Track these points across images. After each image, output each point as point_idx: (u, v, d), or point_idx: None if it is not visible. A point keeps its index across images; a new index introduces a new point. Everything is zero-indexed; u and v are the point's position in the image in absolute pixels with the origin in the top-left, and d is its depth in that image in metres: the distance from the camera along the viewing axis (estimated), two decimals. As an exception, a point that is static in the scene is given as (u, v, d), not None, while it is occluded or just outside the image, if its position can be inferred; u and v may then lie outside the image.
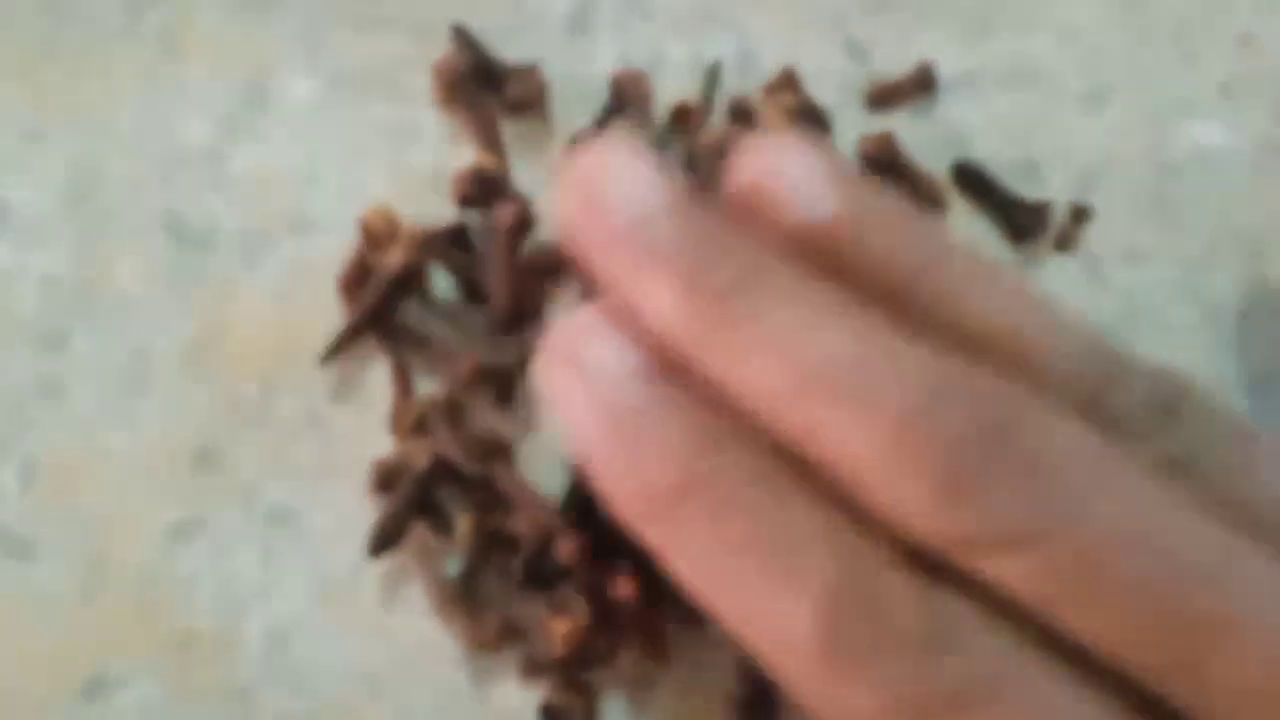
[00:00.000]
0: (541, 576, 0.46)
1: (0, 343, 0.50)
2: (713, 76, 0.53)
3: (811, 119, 0.53)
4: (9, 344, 0.50)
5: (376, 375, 0.50)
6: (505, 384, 0.49)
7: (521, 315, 0.50)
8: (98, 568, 0.48)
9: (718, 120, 0.53)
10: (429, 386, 0.50)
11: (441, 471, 0.47)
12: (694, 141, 0.52)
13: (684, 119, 0.52)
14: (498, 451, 0.48)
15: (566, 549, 0.45)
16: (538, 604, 0.45)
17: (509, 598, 0.46)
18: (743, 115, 0.52)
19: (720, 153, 0.50)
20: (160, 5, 0.53)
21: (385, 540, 0.47)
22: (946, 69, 0.54)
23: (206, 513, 0.49)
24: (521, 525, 0.47)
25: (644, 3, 0.54)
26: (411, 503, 0.47)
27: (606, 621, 0.46)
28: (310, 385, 0.50)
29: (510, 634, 0.47)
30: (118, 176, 0.52)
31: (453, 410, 0.48)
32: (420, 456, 0.47)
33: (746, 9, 0.55)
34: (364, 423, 0.50)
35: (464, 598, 0.47)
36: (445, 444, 0.47)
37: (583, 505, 0.47)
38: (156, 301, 0.51)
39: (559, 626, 0.44)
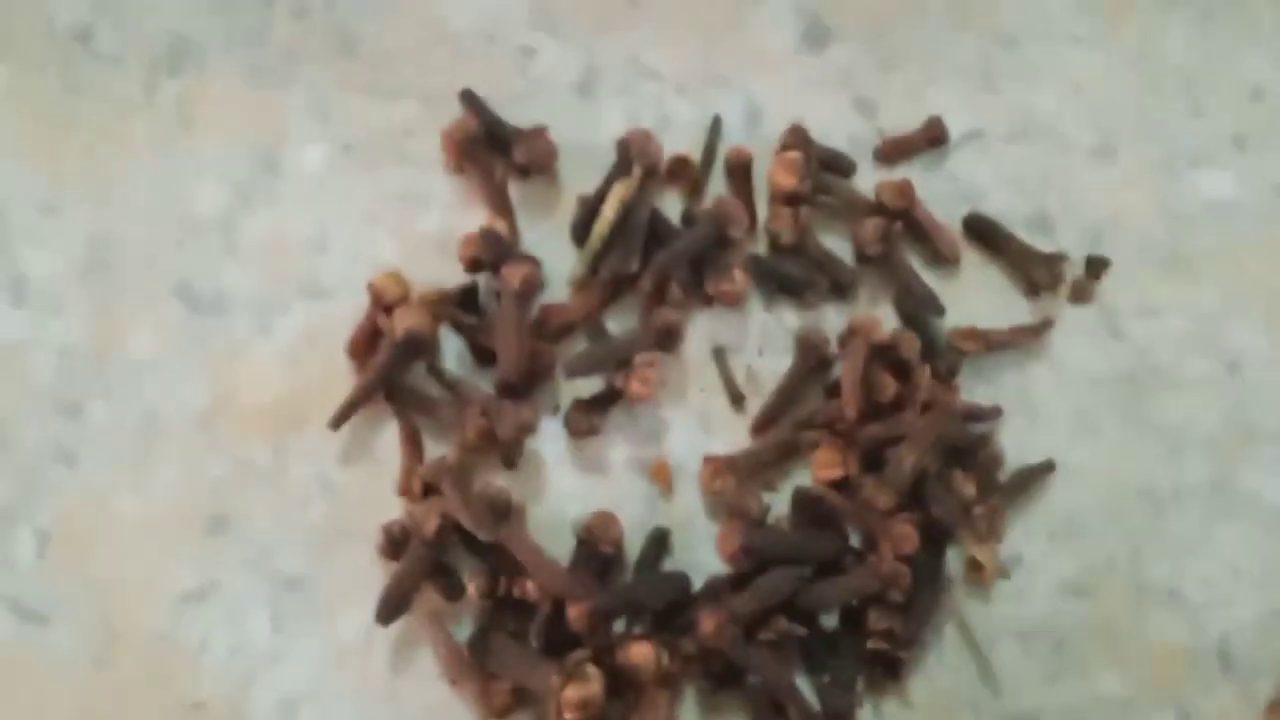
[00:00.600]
0: (555, 642, 0.46)
1: (17, 411, 0.50)
2: (715, 129, 0.53)
3: (831, 167, 0.53)
4: (25, 412, 0.50)
5: (386, 438, 0.50)
6: (512, 447, 0.49)
7: (531, 377, 0.50)
8: (110, 634, 0.48)
9: (719, 167, 0.53)
10: (439, 450, 0.50)
11: (450, 534, 0.47)
12: (693, 201, 0.52)
13: (681, 172, 0.53)
14: (507, 513, 0.48)
15: (577, 614, 0.45)
16: (550, 670, 0.45)
17: (521, 663, 0.46)
18: (740, 171, 0.52)
19: (717, 215, 0.51)
20: (176, 78, 0.54)
21: (394, 607, 0.47)
22: (955, 124, 0.54)
23: (218, 578, 0.49)
24: (533, 590, 0.46)
25: (650, 66, 0.55)
26: (420, 567, 0.47)
27: (618, 687, 0.46)
28: (321, 449, 0.50)
29: (522, 700, 0.46)
30: (132, 246, 0.52)
31: (461, 473, 0.48)
32: (429, 520, 0.47)
33: (752, 70, 0.55)
34: (374, 487, 0.50)
35: (475, 661, 0.47)
36: (454, 506, 0.47)
37: (594, 570, 0.47)
38: (169, 368, 0.51)
39: (572, 693, 0.44)
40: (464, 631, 0.48)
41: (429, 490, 0.48)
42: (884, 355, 0.50)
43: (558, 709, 0.44)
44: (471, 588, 0.47)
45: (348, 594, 0.48)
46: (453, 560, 0.49)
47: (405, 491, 0.49)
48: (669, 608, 0.47)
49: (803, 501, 0.49)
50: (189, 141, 0.54)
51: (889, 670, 0.48)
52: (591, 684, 0.44)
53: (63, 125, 0.54)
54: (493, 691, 0.46)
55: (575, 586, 0.46)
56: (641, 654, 0.45)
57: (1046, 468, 0.51)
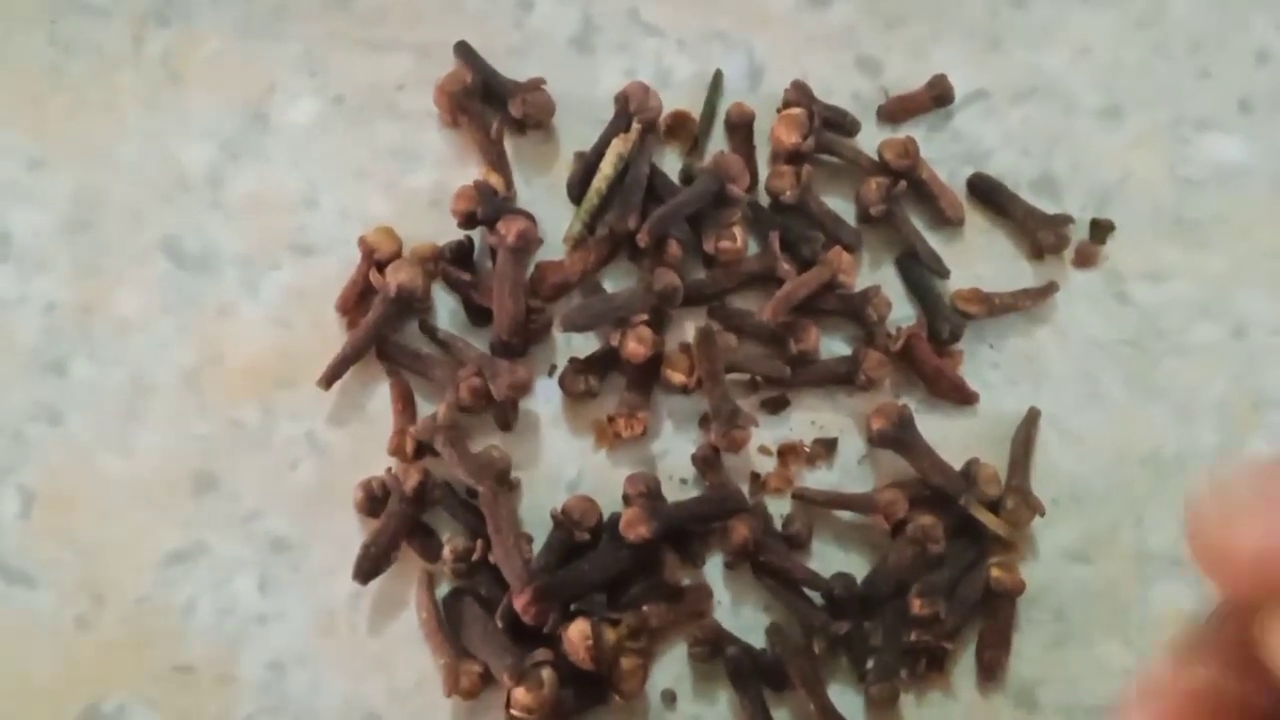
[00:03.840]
0: (520, 629, 0.45)
1: (1, 370, 0.49)
2: (716, 85, 0.53)
3: (834, 126, 0.52)
4: (10, 370, 0.49)
5: (378, 398, 0.49)
6: (508, 408, 0.48)
7: (526, 336, 0.49)
8: (96, 596, 0.47)
9: (719, 123, 0.52)
10: (432, 409, 0.49)
11: (430, 493, 0.47)
12: (693, 157, 0.52)
13: (680, 128, 0.52)
14: (505, 478, 0.47)
15: (521, 605, 0.44)
16: (516, 655, 0.44)
17: (487, 645, 0.45)
18: (742, 128, 0.52)
19: (717, 171, 0.50)
20: (164, 32, 0.53)
21: (372, 565, 0.46)
22: (960, 84, 0.53)
23: (205, 539, 0.48)
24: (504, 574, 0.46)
25: (649, 21, 0.54)
26: (399, 525, 0.46)
27: (575, 683, 0.45)
28: (311, 409, 0.49)
29: (488, 682, 0.46)
30: (119, 203, 0.51)
31: (455, 432, 0.47)
32: (410, 477, 0.46)
33: (754, 26, 0.54)
34: (365, 447, 0.49)
35: (448, 627, 0.46)
36: (449, 466, 0.46)
37: (559, 556, 0.46)
38: (156, 326, 0.50)
39: (521, 696, 0.43)
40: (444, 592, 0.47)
41: (421, 450, 0.47)
42: (846, 304, 0.49)
43: (508, 703, 0.44)
44: (447, 550, 0.46)
45: (337, 556, 0.47)
46: (434, 521, 0.48)
47: (396, 451, 0.48)
48: (615, 583, 0.46)
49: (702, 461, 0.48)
50: (177, 96, 0.53)
51: (933, 662, 0.47)
52: (543, 689, 0.44)
53: (49, 80, 0.53)
54: (462, 671, 0.45)
55: (516, 578, 0.45)
56: (578, 632, 0.44)
57: (1033, 417, 0.50)
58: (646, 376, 0.49)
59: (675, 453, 0.49)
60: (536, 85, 0.51)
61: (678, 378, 0.48)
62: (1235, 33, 0.55)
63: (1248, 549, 0.20)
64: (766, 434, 0.50)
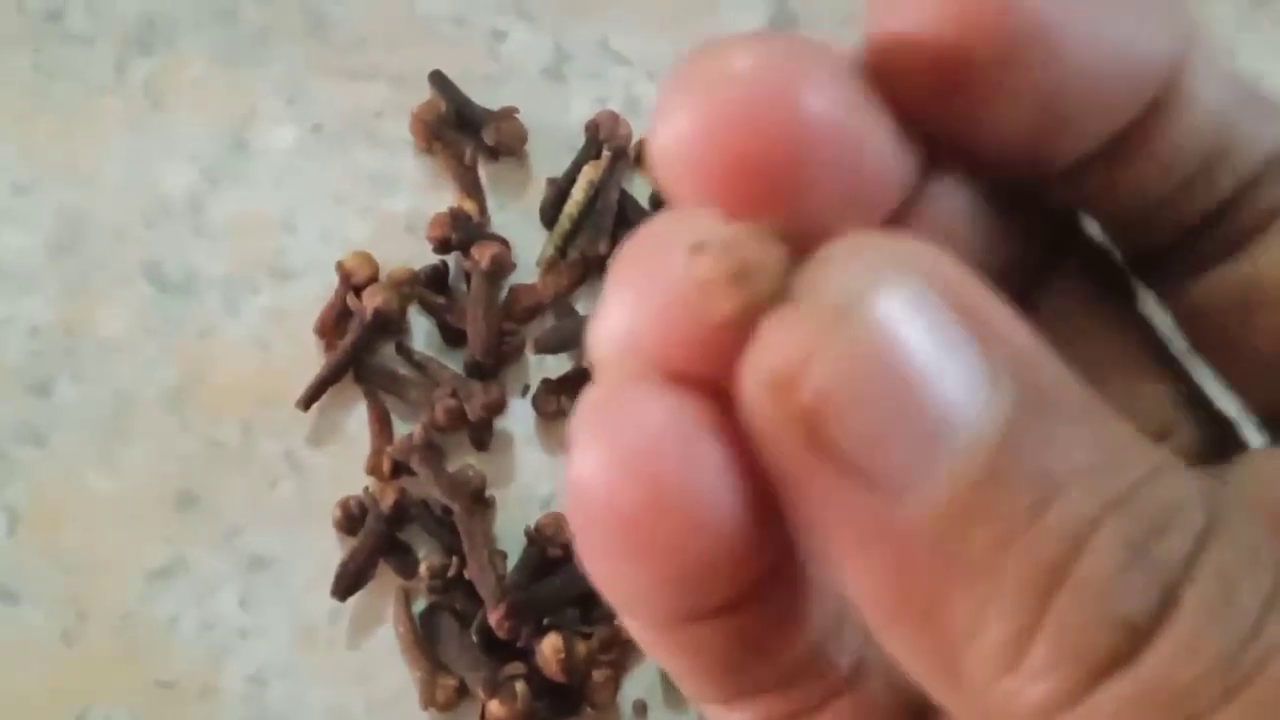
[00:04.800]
0: (495, 643, 0.47)
1: (-14, 391, 0.51)
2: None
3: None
4: (-6, 392, 0.51)
5: (355, 418, 0.51)
6: (483, 427, 0.50)
7: (500, 358, 0.50)
8: (80, 612, 0.48)
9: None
10: (408, 429, 0.50)
11: (407, 511, 0.48)
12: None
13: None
14: (480, 496, 0.48)
15: (495, 620, 0.46)
16: (491, 669, 0.46)
17: (462, 658, 0.47)
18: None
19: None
20: (146, 59, 0.54)
21: (350, 582, 0.47)
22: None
23: (187, 556, 0.49)
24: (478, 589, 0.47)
25: (620, 51, 0.55)
26: (376, 543, 0.48)
27: (548, 695, 0.47)
28: (290, 429, 0.50)
29: (464, 695, 0.47)
30: (102, 226, 0.52)
31: (431, 452, 0.48)
32: (386, 495, 0.47)
33: (721, 55, 0.55)
34: (343, 466, 0.50)
35: (425, 642, 0.48)
36: (425, 485, 0.48)
37: (532, 572, 0.48)
38: (139, 348, 0.51)
39: (496, 710, 0.45)
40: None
41: (398, 469, 0.49)
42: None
43: (483, 715, 0.45)
44: (424, 566, 0.48)
45: (316, 572, 0.49)
46: (410, 539, 0.49)
47: (374, 470, 0.49)
48: (587, 597, 0.48)
49: None
50: (159, 122, 0.54)
51: None
52: (516, 702, 0.45)
53: (33, 105, 0.54)
54: (438, 684, 0.47)
55: (491, 593, 0.46)
56: (550, 645, 0.46)
57: None
58: (618, 396, 0.50)
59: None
60: (509, 113, 0.53)
61: None
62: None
63: None
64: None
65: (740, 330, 0.15)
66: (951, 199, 0.18)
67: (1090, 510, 0.15)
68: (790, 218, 0.16)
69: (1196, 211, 0.18)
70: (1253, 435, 0.20)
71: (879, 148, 0.17)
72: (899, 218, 0.18)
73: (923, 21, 0.17)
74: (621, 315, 0.17)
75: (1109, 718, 0.15)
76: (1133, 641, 0.15)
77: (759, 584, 0.17)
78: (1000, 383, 0.15)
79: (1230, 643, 0.15)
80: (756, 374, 0.15)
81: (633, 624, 0.18)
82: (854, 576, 0.16)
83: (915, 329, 0.15)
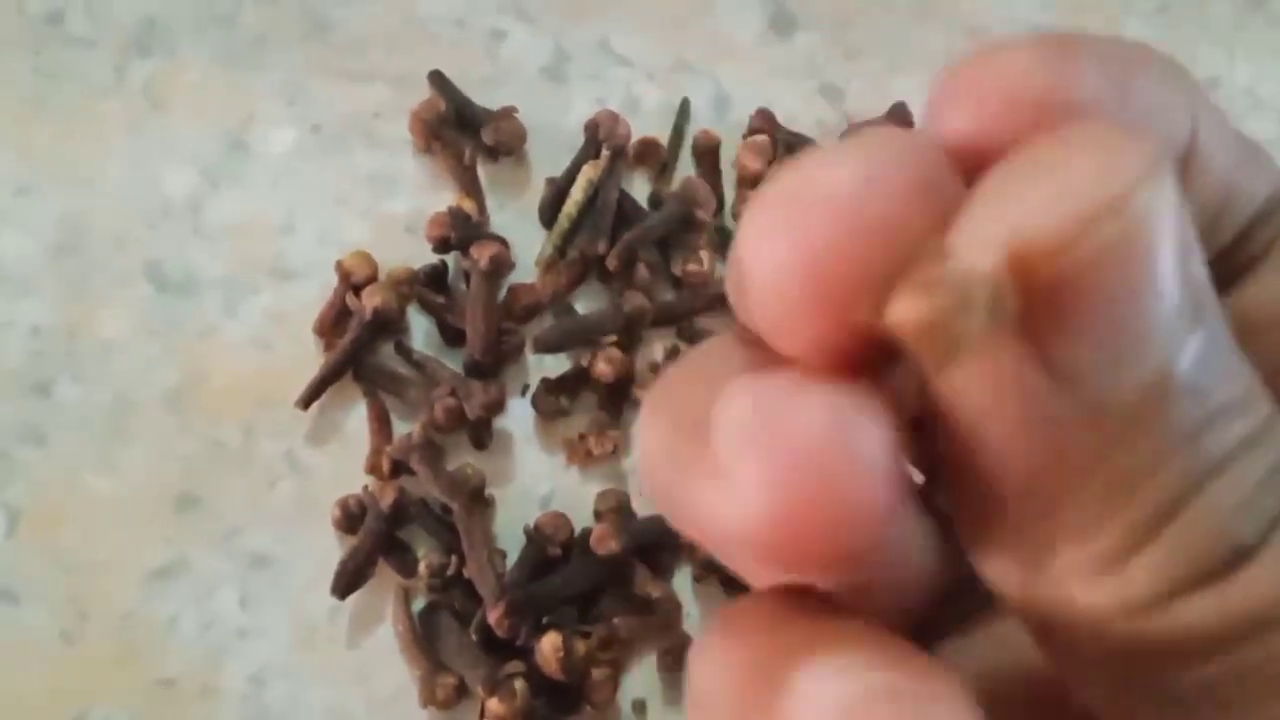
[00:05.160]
0: (494, 642, 0.47)
1: (-14, 392, 0.51)
2: (683, 113, 0.54)
3: (797, 151, 0.54)
4: (-5, 393, 0.51)
5: (355, 418, 0.51)
6: (482, 427, 0.50)
7: (499, 357, 0.50)
8: (81, 612, 0.48)
9: (687, 150, 0.54)
10: (407, 429, 0.50)
11: (406, 510, 0.48)
12: (661, 183, 0.53)
13: (649, 155, 0.53)
14: (479, 495, 0.48)
15: (494, 619, 0.46)
16: (484, 673, 0.46)
17: (461, 656, 0.47)
18: (708, 154, 0.53)
19: (684, 196, 0.51)
20: (146, 62, 0.54)
21: (349, 581, 0.47)
22: (920, 113, 0.55)
23: (187, 556, 0.49)
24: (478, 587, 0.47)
25: (619, 52, 0.55)
26: (375, 542, 0.48)
27: (547, 694, 0.47)
28: (290, 429, 0.50)
29: (463, 693, 0.47)
30: (103, 228, 0.53)
31: (430, 451, 0.48)
32: (386, 494, 0.47)
33: (719, 56, 0.56)
34: (343, 466, 0.50)
35: (424, 640, 0.48)
36: (425, 484, 0.48)
37: (531, 571, 0.48)
38: (139, 349, 0.51)
39: (495, 707, 0.45)
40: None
41: (397, 468, 0.49)
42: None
43: (482, 713, 0.46)
44: (423, 565, 0.48)
45: (316, 571, 0.49)
46: (410, 538, 0.49)
47: (373, 469, 0.49)
48: (586, 596, 0.48)
49: None
50: (159, 124, 0.54)
51: None
52: (516, 700, 0.45)
53: (34, 108, 0.54)
54: (438, 683, 0.47)
55: (490, 592, 0.46)
56: (550, 644, 0.46)
57: None
58: (617, 395, 0.51)
59: (644, 469, 0.51)
60: (509, 113, 0.53)
61: None
62: (1184, 64, 0.57)
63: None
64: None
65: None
66: None
67: (1233, 442, 0.16)
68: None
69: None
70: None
71: None
72: None
73: (998, 118, 0.17)
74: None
75: (1187, 624, 0.16)
76: (1234, 561, 0.16)
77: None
78: (1188, 307, 0.16)
79: None
80: (998, 230, 0.15)
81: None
82: (1000, 448, 0.16)
83: (1164, 240, 0.15)
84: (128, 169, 0.53)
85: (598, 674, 0.47)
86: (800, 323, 0.16)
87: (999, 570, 0.17)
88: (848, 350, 0.16)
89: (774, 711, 0.16)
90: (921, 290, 0.15)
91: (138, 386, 0.51)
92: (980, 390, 0.16)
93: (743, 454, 0.16)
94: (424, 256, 0.52)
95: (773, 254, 0.16)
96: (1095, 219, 0.15)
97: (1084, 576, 0.16)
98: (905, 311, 0.15)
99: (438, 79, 0.53)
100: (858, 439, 0.16)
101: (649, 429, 0.18)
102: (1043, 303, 0.15)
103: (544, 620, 0.47)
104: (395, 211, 0.53)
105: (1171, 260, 0.15)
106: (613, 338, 0.50)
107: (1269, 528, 0.16)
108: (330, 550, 0.49)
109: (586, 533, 0.48)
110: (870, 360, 0.16)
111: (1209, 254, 0.19)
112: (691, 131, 0.54)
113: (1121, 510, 0.16)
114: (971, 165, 0.17)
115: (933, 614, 0.21)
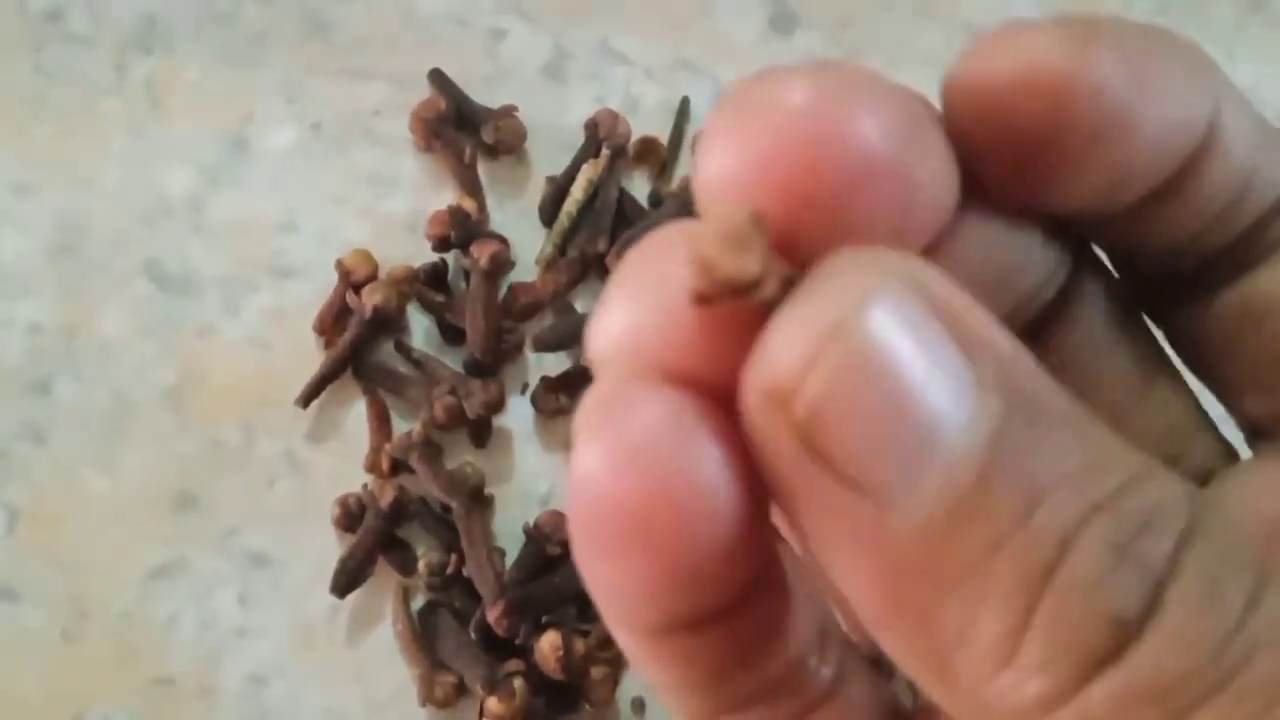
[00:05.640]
0: (493, 641, 0.47)
1: (-15, 391, 0.51)
2: (683, 111, 0.54)
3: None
4: (-6, 392, 0.51)
5: (355, 416, 0.51)
6: (482, 425, 0.50)
7: (499, 355, 0.50)
8: (80, 611, 0.48)
9: (686, 149, 0.54)
10: (407, 427, 0.50)
11: (406, 508, 0.48)
12: (661, 182, 0.53)
13: (649, 153, 0.53)
14: (479, 494, 0.48)
15: (494, 618, 0.46)
16: (483, 672, 0.46)
17: (460, 655, 0.47)
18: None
19: (684, 195, 0.51)
20: (146, 60, 0.54)
21: (349, 580, 0.47)
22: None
23: (186, 556, 0.49)
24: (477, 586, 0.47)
25: (619, 50, 0.55)
26: (375, 540, 0.48)
27: (546, 692, 0.47)
28: (289, 428, 0.50)
29: (462, 692, 0.47)
30: (102, 227, 0.52)
31: (430, 449, 0.48)
32: (386, 492, 0.47)
33: (720, 55, 0.56)
34: (342, 464, 0.50)
35: (423, 639, 0.47)
36: (424, 482, 0.48)
37: (530, 569, 0.48)
38: (138, 348, 0.51)
39: (494, 706, 0.45)
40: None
41: (397, 467, 0.49)
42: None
43: (482, 712, 0.46)
44: (423, 564, 0.48)
45: (315, 570, 0.49)
46: (409, 536, 0.49)
47: (373, 468, 0.49)
48: (585, 595, 0.48)
49: None
50: (159, 123, 0.54)
51: None
52: (515, 699, 0.45)
53: (34, 107, 0.54)
54: (437, 682, 0.47)
55: (489, 591, 0.46)
56: (549, 643, 0.46)
57: None
58: (616, 394, 0.50)
59: (644, 468, 0.50)
60: (509, 112, 0.53)
61: None
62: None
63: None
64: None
65: (729, 320, 0.16)
66: (982, 229, 0.19)
67: (1075, 513, 0.15)
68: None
69: (1216, 246, 0.19)
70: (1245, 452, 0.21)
71: (928, 186, 0.17)
72: (933, 246, 0.18)
73: (1015, 95, 0.18)
74: (624, 315, 0.17)
75: (1103, 712, 0.15)
76: (1121, 637, 0.15)
77: (748, 591, 0.17)
78: (986, 393, 0.15)
79: (1216, 637, 0.15)
80: (758, 383, 0.15)
81: (623, 635, 0.19)
82: (849, 580, 0.16)
83: (905, 343, 0.15)
84: (127, 167, 0.53)
85: (597, 673, 0.47)
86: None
87: (925, 689, 0.17)
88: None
89: None
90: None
91: (137, 385, 0.51)
92: (813, 533, 0.16)
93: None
94: (424, 255, 0.52)
95: (724, 155, 0.17)
96: (819, 349, 0.15)
97: (985, 679, 0.16)
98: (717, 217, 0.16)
99: (438, 78, 0.53)
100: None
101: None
102: (816, 431, 0.15)
103: (543, 619, 0.47)
104: (395, 210, 0.53)
105: (928, 362, 0.15)
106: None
107: (1150, 597, 0.15)
108: (329, 549, 0.49)
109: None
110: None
111: (1223, 240, 0.19)
112: (692, 131, 0.54)
113: (983, 605, 0.15)
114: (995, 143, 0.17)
115: None
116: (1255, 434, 0.20)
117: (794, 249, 0.16)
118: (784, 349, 0.15)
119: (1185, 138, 0.18)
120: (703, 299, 0.16)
